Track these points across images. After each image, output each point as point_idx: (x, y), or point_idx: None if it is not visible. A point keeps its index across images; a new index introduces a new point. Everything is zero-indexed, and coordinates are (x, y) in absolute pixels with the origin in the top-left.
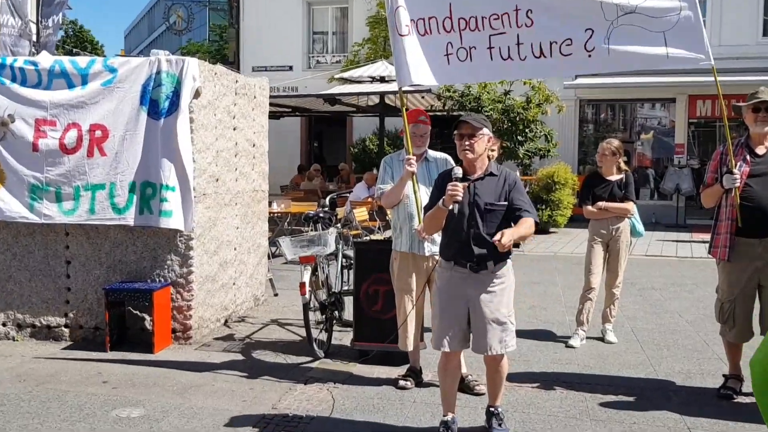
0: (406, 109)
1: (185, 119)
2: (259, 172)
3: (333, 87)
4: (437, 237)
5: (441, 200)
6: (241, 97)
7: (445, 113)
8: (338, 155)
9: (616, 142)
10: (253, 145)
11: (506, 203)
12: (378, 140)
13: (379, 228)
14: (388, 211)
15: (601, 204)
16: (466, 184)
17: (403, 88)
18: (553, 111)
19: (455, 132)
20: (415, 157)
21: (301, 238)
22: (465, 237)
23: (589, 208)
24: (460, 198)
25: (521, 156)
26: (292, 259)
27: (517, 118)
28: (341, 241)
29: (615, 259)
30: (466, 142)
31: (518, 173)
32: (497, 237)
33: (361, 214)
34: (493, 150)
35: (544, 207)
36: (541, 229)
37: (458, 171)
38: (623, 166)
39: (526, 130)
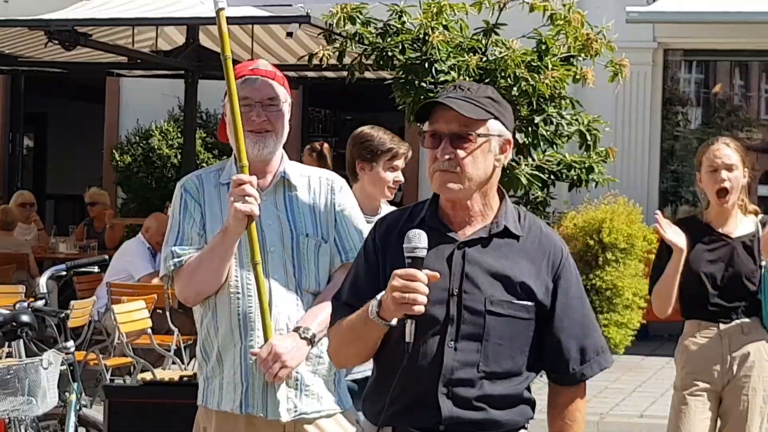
0: (234, 61)
1: None
2: None
3: (75, 5)
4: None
5: (375, 303)
6: None
7: (344, 75)
8: (83, 171)
9: (732, 145)
10: None
11: (533, 305)
12: (181, 135)
13: (179, 350)
14: (195, 312)
15: None
16: (435, 275)
17: (225, 9)
18: (602, 76)
19: (422, 130)
20: (254, 177)
21: None
22: (428, 375)
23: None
24: (420, 305)
25: (525, 181)
26: None
27: (518, 91)
28: (75, 385)
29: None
30: (447, 154)
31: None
32: None
33: (133, 314)
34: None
35: None
36: None
37: (418, 238)
38: (750, 205)
39: (538, 120)
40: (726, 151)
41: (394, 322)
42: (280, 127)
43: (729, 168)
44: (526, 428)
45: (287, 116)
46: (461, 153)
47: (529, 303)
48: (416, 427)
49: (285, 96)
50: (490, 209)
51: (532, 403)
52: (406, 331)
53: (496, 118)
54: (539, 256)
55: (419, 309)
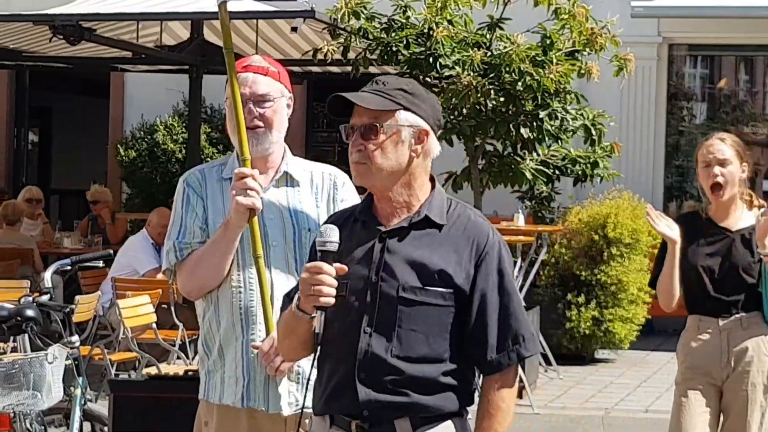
0: (237, 56)
1: None
2: None
3: (79, 0)
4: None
5: (297, 296)
6: None
7: (349, 70)
8: (88, 165)
9: (727, 141)
10: None
11: (450, 291)
12: (186, 130)
13: (183, 345)
14: (197, 306)
15: None
16: (343, 268)
17: (228, 1)
18: (607, 71)
19: (345, 129)
20: (256, 170)
21: None
22: (346, 361)
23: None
24: (327, 297)
25: (530, 176)
26: None
27: (522, 86)
28: (80, 379)
29: (738, 428)
30: (357, 147)
31: (519, 219)
32: None
33: (138, 309)
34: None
35: (583, 302)
36: (576, 354)
37: (329, 233)
38: (757, 199)
39: (542, 114)
40: (719, 146)
41: (315, 314)
42: (274, 123)
43: (722, 163)
44: (462, 416)
45: (284, 111)
46: (370, 146)
47: (446, 290)
48: (342, 414)
49: (280, 91)
50: (416, 200)
51: (465, 391)
52: (315, 322)
53: (406, 108)
54: (463, 243)
55: (326, 300)
